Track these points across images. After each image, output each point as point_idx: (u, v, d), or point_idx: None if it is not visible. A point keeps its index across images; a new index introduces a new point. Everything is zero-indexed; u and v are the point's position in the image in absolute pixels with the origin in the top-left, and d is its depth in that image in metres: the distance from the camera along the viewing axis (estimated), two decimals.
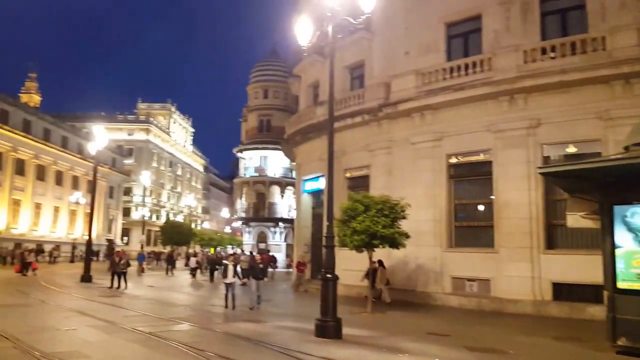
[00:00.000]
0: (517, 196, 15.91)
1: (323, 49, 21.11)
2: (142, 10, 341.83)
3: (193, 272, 31.27)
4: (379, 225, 13.81)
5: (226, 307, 14.98)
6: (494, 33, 17.37)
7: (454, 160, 17.85)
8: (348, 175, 21.12)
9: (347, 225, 14.25)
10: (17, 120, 44.17)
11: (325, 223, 11.97)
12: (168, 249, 60.39)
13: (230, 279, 15.19)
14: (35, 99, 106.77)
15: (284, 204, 49.07)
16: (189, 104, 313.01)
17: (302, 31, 11.30)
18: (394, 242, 14.29)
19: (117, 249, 58.98)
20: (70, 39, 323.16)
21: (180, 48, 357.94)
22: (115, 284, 21.22)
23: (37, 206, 48.10)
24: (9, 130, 42.59)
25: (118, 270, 21.53)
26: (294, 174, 44.75)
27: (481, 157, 17.14)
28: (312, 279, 23.15)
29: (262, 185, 49.36)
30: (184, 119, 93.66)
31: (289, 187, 48.03)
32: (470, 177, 17.68)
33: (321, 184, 22.95)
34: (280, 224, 48.72)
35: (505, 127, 16.40)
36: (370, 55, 21.25)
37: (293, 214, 46.62)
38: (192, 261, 32.34)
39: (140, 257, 34.74)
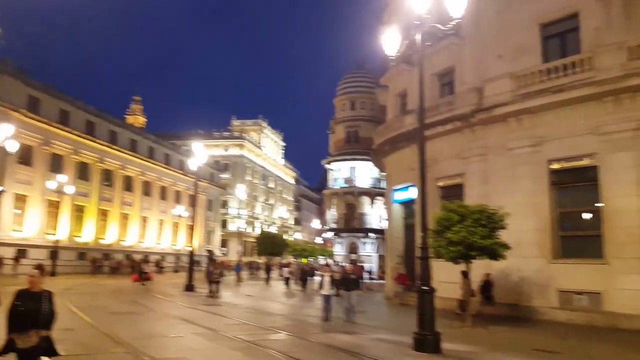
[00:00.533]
0: (628, 203, 14.62)
1: (410, 58, 20.87)
2: (232, 33, 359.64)
3: (286, 281, 31.97)
4: (476, 235, 13.29)
5: (325, 319, 14.70)
6: (593, 31, 16.28)
7: (555, 166, 16.76)
8: (440, 184, 20.55)
9: (442, 236, 13.86)
10: (124, 141, 48.00)
11: (418, 233, 11.71)
12: (263, 259, 62.45)
13: (326, 290, 15.06)
14: (140, 120, 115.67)
15: (374, 214, 48.78)
16: (279, 118, 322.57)
17: (389, 41, 11.26)
18: (494, 253, 13.67)
19: (217, 259, 61.85)
20: (169, 62, 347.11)
21: (269, 65, 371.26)
22: (212, 292, 22.35)
23: (144, 220, 51.74)
24: (118, 150, 46.36)
25: (213, 280, 22.69)
26: (383, 184, 44.52)
27: (585, 161, 15.96)
28: (405, 290, 22.71)
29: (351, 196, 49.49)
30: (275, 134, 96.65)
31: (379, 197, 47.72)
32: (574, 184, 16.51)
33: (412, 193, 22.53)
34: (371, 234, 48.45)
35: (611, 129, 15.19)
36: (460, 60, 20.66)
37: (384, 225, 46.35)
38: (285, 271, 33.09)
39: (237, 268, 36.03)
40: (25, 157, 35.99)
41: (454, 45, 20.57)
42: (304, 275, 31.77)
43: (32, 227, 36.90)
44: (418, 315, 10.16)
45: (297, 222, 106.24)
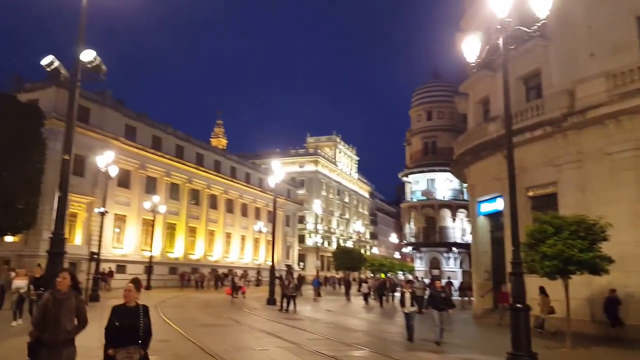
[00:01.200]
0: None
1: (492, 63, 19.91)
2: (305, 55, 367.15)
3: (365, 297, 31.48)
4: (575, 249, 12.21)
5: (408, 339, 13.57)
6: None
7: None
8: (530, 194, 19.27)
9: (535, 250, 12.88)
10: (209, 162, 49.98)
11: (507, 247, 10.93)
12: (341, 274, 62.19)
13: (409, 308, 13.82)
14: (222, 142, 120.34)
15: (457, 227, 47.04)
16: (353, 133, 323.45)
17: (469, 47, 10.78)
18: (595, 267, 12.45)
19: (292, 273, 62.32)
20: (247, 86, 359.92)
21: (343, 80, 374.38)
22: (285, 306, 22.15)
23: (228, 235, 53.33)
24: (204, 171, 48.35)
25: (288, 294, 22.40)
26: (465, 196, 42.94)
27: None
28: (495, 308, 21.44)
29: (431, 209, 48.10)
30: (349, 149, 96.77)
31: (461, 210, 46.02)
32: None
33: (499, 205, 21.33)
34: (454, 248, 46.70)
35: None
36: (547, 62, 19.44)
37: (467, 238, 44.37)
38: (364, 287, 32.64)
39: (316, 282, 35.74)
40: (123, 180, 38.45)
41: (539, 47, 19.40)
42: (381, 290, 31.34)
43: (130, 244, 39.16)
44: (512, 334, 9.43)
45: (374, 236, 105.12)
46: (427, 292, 13.80)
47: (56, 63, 9.34)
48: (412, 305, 13.87)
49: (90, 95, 35.53)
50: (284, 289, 22.99)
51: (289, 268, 64.30)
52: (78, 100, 9.59)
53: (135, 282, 5.49)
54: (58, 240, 8.61)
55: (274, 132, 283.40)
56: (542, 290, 15.59)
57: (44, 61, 9.27)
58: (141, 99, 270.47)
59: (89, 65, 9.25)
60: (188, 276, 41.99)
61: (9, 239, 30.78)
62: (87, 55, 9.22)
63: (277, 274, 28.57)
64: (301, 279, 28.31)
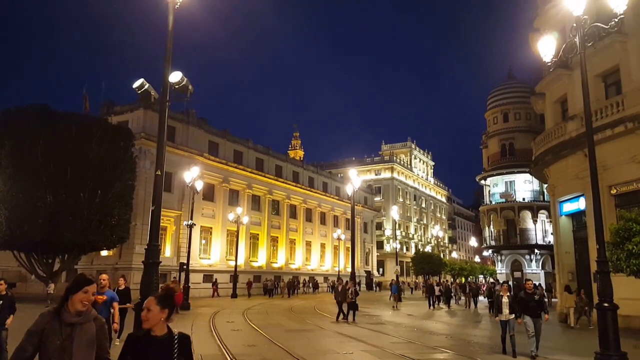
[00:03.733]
0: None
1: (568, 62, 19.04)
2: (379, 61, 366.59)
3: (433, 300, 30.93)
4: None
5: (504, 352, 11.43)
6: None
7: None
8: (613, 192, 18.07)
9: (621, 248, 12.14)
10: (288, 173, 51.24)
11: (592, 247, 10.36)
12: (420, 279, 61.12)
13: (506, 315, 11.42)
14: (299, 153, 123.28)
15: (538, 229, 44.87)
16: (428, 138, 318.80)
17: (545, 47, 10.49)
18: None
19: (343, 280, 61.87)
20: (320, 97, 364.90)
21: (416, 87, 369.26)
22: (341, 317, 18.99)
23: (307, 244, 54.22)
24: (283, 182, 49.64)
25: (341, 300, 19.16)
26: (545, 197, 40.91)
27: None
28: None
29: (510, 211, 46.21)
30: (424, 154, 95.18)
31: (542, 211, 43.86)
32: None
33: (581, 204, 20.22)
34: (536, 250, 44.54)
35: None
36: (626, 58, 18.24)
37: (549, 240, 42.35)
38: (436, 290, 32.05)
39: (395, 288, 35.21)
40: (208, 194, 40.34)
41: (617, 43, 18.28)
42: (448, 293, 31.13)
43: (216, 254, 40.91)
44: (599, 334, 8.99)
45: (453, 240, 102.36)
46: (507, 295, 11.68)
47: (146, 85, 9.86)
48: (514, 312, 11.30)
49: (175, 114, 37.59)
50: (338, 295, 19.51)
51: (368, 274, 64.15)
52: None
53: (165, 296, 3.23)
54: (153, 251, 8.99)
55: (349, 141, 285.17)
56: (567, 288, 14.88)
57: (136, 84, 9.79)
58: (222, 115, 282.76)
59: (176, 87, 9.66)
60: (271, 284, 42.08)
61: (104, 252, 32.57)
62: (175, 77, 9.60)
63: (338, 280, 28.58)
64: (337, 282, 27.44)
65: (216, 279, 38.88)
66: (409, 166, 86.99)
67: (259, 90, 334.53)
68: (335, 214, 59.48)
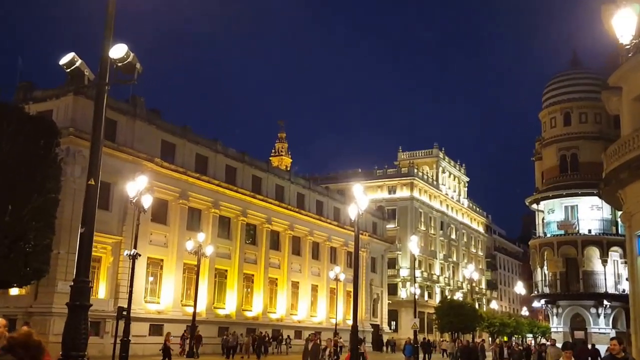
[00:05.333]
0: None
1: None
2: (388, 44, 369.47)
3: None
4: None
5: None
6: None
7: None
8: None
9: None
10: (270, 188, 51.14)
11: None
12: (446, 336, 60.80)
13: None
14: (285, 161, 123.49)
15: (608, 272, 44.83)
16: (460, 145, 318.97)
17: (621, 24, 10.41)
18: None
19: (385, 335, 61.62)
20: (313, 87, 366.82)
21: (442, 75, 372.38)
22: None
23: (294, 285, 53.97)
24: (262, 200, 49.45)
25: None
26: (620, 229, 40.83)
27: None
28: None
29: (571, 247, 46.16)
30: (455, 166, 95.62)
31: (614, 248, 43.84)
32: None
33: None
34: (605, 301, 44.41)
35: None
36: None
37: (623, 287, 42.16)
38: (449, 346, 32.03)
39: (408, 349, 34.68)
40: (159, 213, 40.13)
41: None
42: (466, 356, 31.33)
43: (168, 296, 40.51)
44: None
45: (492, 285, 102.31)
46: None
47: (78, 62, 9.64)
48: None
49: (117, 104, 37.16)
50: (304, 356, 19.37)
51: (377, 329, 63.83)
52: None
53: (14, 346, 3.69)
54: (82, 290, 8.82)
55: (353, 147, 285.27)
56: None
57: (64, 60, 9.58)
58: (184, 108, 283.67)
59: (119, 64, 9.43)
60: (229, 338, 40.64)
61: (14, 291, 31.81)
62: (118, 51, 9.36)
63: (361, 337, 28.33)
64: (309, 338, 26.61)
65: (169, 333, 38.45)
66: (434, 182, 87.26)
67: (235, 76, 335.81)
68: (332, 246, 59.32)
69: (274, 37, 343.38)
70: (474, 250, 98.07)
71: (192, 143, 43.72)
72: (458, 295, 79.31)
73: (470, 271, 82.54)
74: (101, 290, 35.71)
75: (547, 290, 48.00)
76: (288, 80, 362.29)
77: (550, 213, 48.45)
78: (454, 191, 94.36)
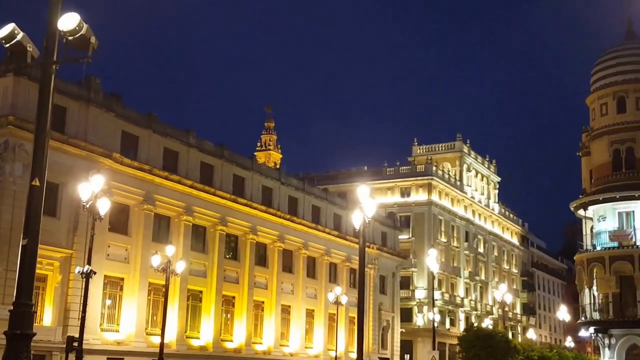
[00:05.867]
0: None
1: None
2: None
3: None
4: None
5: None
6: None
7: None
8: None
9: None
10: (255, 190, 51.01)
11: None
12: None
13: None
14: (274, 157, 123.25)
15: None
16: (488, 137, 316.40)
17: None
18: None
19: None
20: (308, 65, 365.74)
21: (466, 51, 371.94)
22: None
23: (285, 310, 53.86)
24: (246, 205, 49.33)
25: None
26: None
27: None
28: None
29: (627, 262, 46.26)
30: (483, 163, 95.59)
31: None
32: None
33: None
34: None
35: None
36: None
37: None
38: None
39: None
40: (119, 221, 40.07)
41: None
42: None
43: (129, 324, 40.34)
44: None
45: (529, 310, 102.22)
46: None
47: (20, 35, 9.62)
48: None
49: (67, 87, 37.00)
50: None
51: None
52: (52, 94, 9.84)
53: None
54: (23, 315, 8.78)
55: (357, 139, 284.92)
56: None
57: (1, 33, 9.56)
58: (148, 94, 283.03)
59: (70, 38, 9.39)
60: None
61: None
62: (69, 22, 9.32)
63: None
64: None
65: None
66: (457, 182, 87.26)
67: (211, 52, 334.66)
68: (332, 261, 59.31)
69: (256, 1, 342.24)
70: (507, 267, 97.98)
71: (160, 135, 43.55)
72: (487, 322, 79.10)
73: (502, 292, 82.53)
74: (47, 316, 35.54)
75: (596, 316, 47.97)
76: (275, 56, 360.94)
77: (601, 221, 48.37)
78: (482, 194, 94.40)
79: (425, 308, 74.98)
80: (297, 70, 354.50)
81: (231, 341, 48.25)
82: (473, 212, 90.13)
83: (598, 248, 48.16)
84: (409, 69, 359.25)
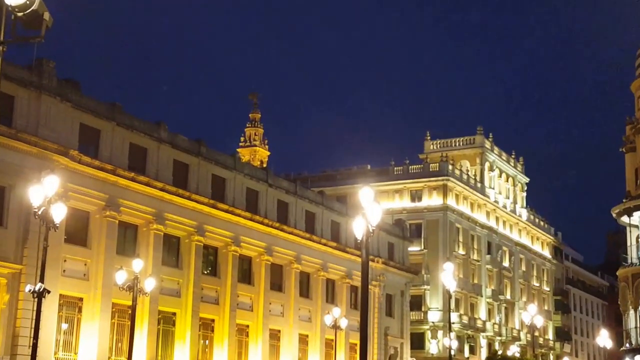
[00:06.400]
0: None
1: None
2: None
3: None
4: None
5: None
6: None
7: None
8: None
9: None
10: (237, 193, 51.07)
11: None
12: None
13: None
14: (261, 153, 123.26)
15: None
16: (514, 130, 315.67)
17: None
18: None
19: None
20: (310, 48, 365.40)
21: (492, 32, 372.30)
22: None
23: (274, 336, 53.93)
24: (226, 211, 49.41)
25: None
26: None
27: None
28: None
29: None
30: (509, 161, 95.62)
31: None
32: None
33: None
34: None
35: None
36: None
37: None
38: None
39: None
40: (77, 231, 40.06)
41: None
42: None
43: (89, 351, 40.33)
44: None
45: (564, 335, 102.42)
46: None
47: None
48: None
49: (16, 72, 36.97)
50: None
51: None
52: None
53: None
54: None
55: (360, 133, 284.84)
56: None
57: None
58: (111, 81, 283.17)
59: (19, 14, 9.47)
60: None
61: None
62: None
63: None
64: None
65: None
66: (478, 184, 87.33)
67: (184, 29, 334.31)
68: (329, 277, 59.48)
69: None
70: (537, 284, 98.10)
71: (125, 128, 43.58)
72: (513, 350, 79.25)
73: (532, 314, 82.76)
74: None
75: None
76: (260, 34, 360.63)
77: None
78: (507, 197, 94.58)
79: (440, 333, 75.14)
80: (286, 51, 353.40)
81: None
82: (496, 219, 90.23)
83: None
84: (421, 49, 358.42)
